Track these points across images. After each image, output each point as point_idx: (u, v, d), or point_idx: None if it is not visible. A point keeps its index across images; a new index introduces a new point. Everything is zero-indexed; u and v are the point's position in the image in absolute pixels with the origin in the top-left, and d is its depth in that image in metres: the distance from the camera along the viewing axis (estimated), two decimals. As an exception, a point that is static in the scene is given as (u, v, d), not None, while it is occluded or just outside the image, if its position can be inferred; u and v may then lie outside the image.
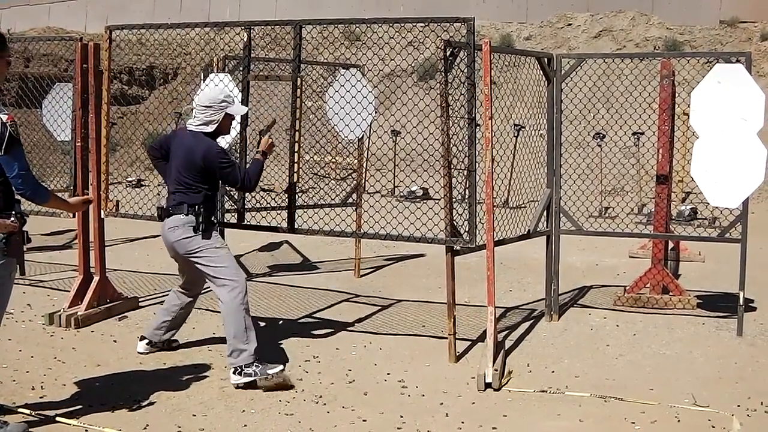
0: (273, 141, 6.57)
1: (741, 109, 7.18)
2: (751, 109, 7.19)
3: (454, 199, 6.34)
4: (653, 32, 21.32)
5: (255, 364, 5.86)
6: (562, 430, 5.21)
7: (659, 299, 8.22)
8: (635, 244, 10.82)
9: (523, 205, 7.79)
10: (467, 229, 6.33)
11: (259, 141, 6.55)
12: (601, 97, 8.64)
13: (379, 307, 8.21)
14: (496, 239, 6.64)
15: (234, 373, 5.85)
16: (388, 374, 6.18)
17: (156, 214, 6.49)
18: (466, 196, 6.38)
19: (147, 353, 6.51)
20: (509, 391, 5.88)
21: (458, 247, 6.40)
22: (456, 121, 6.39)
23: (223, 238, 6.64)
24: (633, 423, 5.31)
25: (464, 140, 6.35)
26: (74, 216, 7.65)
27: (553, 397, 5.79)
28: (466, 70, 6.33)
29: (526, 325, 7.62)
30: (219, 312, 6.23)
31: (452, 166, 6.34)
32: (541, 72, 7.69)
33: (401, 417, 5.32)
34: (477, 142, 6.41)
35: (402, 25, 6.99)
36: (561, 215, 7.73)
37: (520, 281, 9.36)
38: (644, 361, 6.64)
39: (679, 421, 5.37)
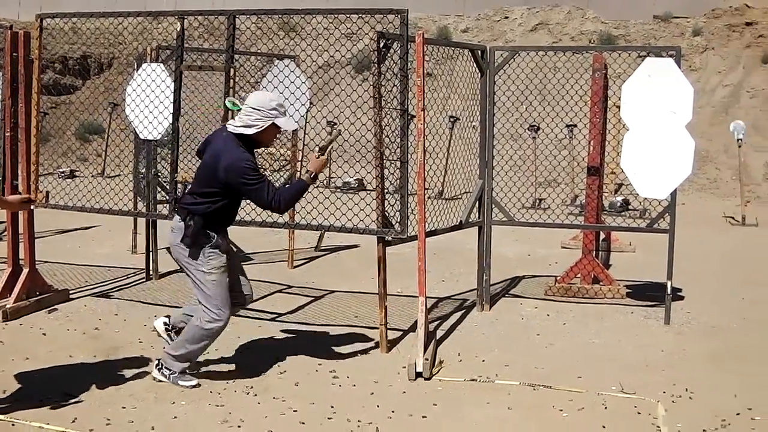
0: (327, 160, 5.84)
1: (670, 102, 7.33)
2: (680, 103, 7.34)
3: (387, 191, 6.37)
4: (589, 26, 21.62)
5: (176, 372, 5.71)
6: (491, 418, 5.26)
7: (589, 289, 8.36)
8: (567, 235, 10.98)
9: (457, 196, 7.87)
10: (399, 220, 6.37)
11: (320, 150, 5.79)
12: (534, 90, 8.75)
13: (312, 298, 8.23)
14: (428, 230, 6.68)
15: (156, 366, 5.77)
16: (320, 364, 6.20)
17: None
18: (399, 187, 6.42)
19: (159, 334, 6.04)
20: (440, 380, 5.93)
21: (390, 238, 6.43)
22: (389, 112, 6.41)
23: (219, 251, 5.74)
24: (561, 410, 5.39)
25: (397, 131, 6.38)
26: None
27: (483, 385, 5.86)
28: (399, 62, 6.35)
29: (458, 315, 7.70)
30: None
31: (385, 157, 6.37)
32: (476, 64, 7.75)
33: (332, 407, 5.34)
34: (410, 133, 6.45)
35: (336, 16, 6.97)
36: (493, 206, 7.81)
37: (453, 272, 9.44)
38: (574, 349, 6.75)
39: (606, 408, 5.47)
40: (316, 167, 5.68)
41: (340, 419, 5.18)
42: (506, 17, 22.66)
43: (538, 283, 8.89)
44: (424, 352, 6.03)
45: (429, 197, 7.85)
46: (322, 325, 7.28)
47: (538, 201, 14.29)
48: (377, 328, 6.62)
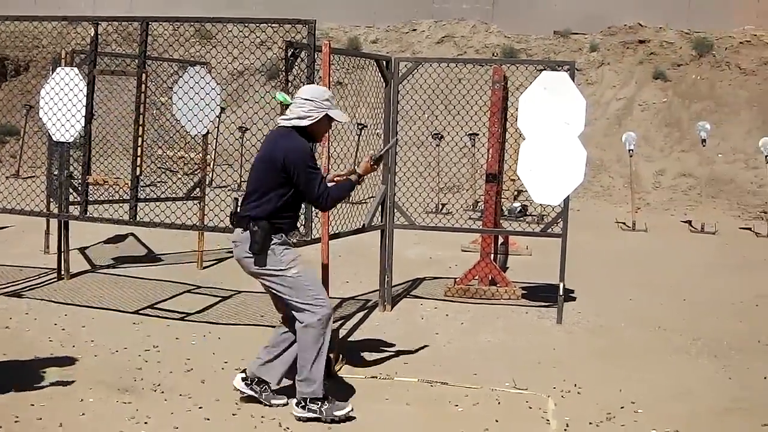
0: (376, 167, 5.83)
1: (564, 113, 7.59)
2: (573, 114, 7.62)
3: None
4: (492, 40, 22.05)
5: (321, 400, 5.34)
6: (389, 414, 5.48)
7: (487, 290, 8.66)
8: (468, 239, 11.27)
9: (363, 201, 8.04)
10: (303, 223, 6.55)
11: (375, 160, 5.75)
12: (440, 100, 9.01)
13: (220, 298, 8.35)
14: (332, 233, 6.84)
15: (298, 406, 5.37)
16: (226, 362, 6.32)
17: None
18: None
19: (240, 390, 5.61)
20: (342, 377, 6.13)
21: (294, 240, 6.60)
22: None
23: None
24: (456, 405, 5.65)
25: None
26: None
27: (383, 382, 6.09)
28: (306, 70, 6.55)
29: (361, 314, 7.92)
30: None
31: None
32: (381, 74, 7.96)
33: (236, 404, 5.48)
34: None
35: (246, 25, 7.15)
36: (395, 210, 8.05)
37: (357, 273, 9.62)
38: (470, 348, 7.02)
39: (499, 403, 5.74)
40: (365, 171, 5.70)
41: (244, 415, 5.31)
42: (414, 29, 22.97)
43: (438, 285, 9.17)
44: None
45: (352, 202, 8.07)
46: (229, 324, 7.42)
47: (440, 206, 14.61)
48: (281, 328, 6.79)
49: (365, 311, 8.04)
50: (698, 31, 20.90)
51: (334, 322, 7.03)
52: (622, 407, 5.76)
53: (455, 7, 23.03)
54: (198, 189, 9.57)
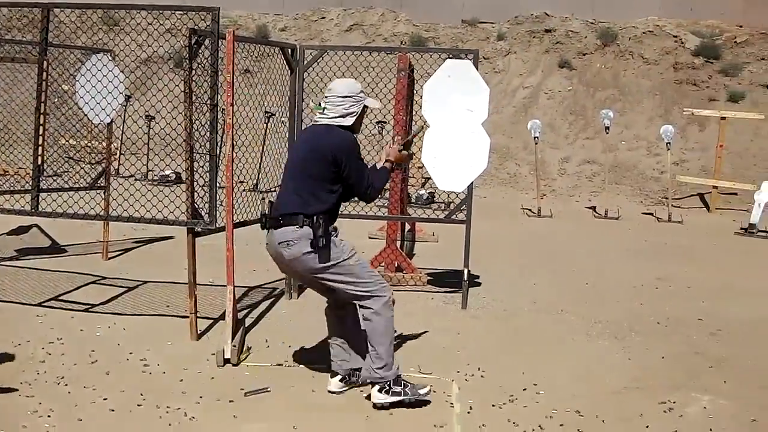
0: (407, 152, 5.93)
1: (468, 101, 7.66)
2: (477, 102, 7.67)
3: (197, 183, 6.51)
4: (401, 28, 22.17)
5: (401, 381, 5.44)
6: (294, 400, 5.50)
7: (393, 277, 8.72)
8: (374, 226, 11.33)
9: (272, 189, 8.02)
10: (208, 211, 6.53)
11: (404, 145, 5.92)
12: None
13: (125, 289, 8.26)
14: (237, 221, 6.86)
15: (380, 390, 5.40)
16: (131, 353, 6.27)
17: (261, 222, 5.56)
18: (208, 180, 6.57)
19: (340, 391, 5.69)
20: (247, 365, 6.13)
21: (199, 229, 6.58)
22: (199, 107, 6.56)
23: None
24: (361, 391, 5.67)
25: (207, 125, 6.54)
26: None
27: (289, 370, 6.11)
28: (210, 58, 6.51)
29: (267, 303, 7.92)
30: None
31: (195, 151, 6.51)
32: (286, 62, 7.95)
33: (141, 395, 5.44)
34: (221, 127, 6.60)
35: (150, 12, 7.06)
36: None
37: (264, 261, 9.47)
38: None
39: (404, 387, 5.83)
40: (396, 158, 5.77)
41: (149, 406, 5.28)
42: (323, 17, 22.96)
43: (345, 273, 9.18)
44: (233, 339, 6.20)
45: (245, 190, 8.04)
46: (134, 315, 7.34)
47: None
48: (188, 317, 6.75)
49: (272, 300, 8.04)
50: (603, 21, 21.32)
51: (240, 310, 7.09)
52: (524, 389, 5.89)
53: (364, -6, 23.11)
54: (103, 178, 9.43)
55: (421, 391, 5.47)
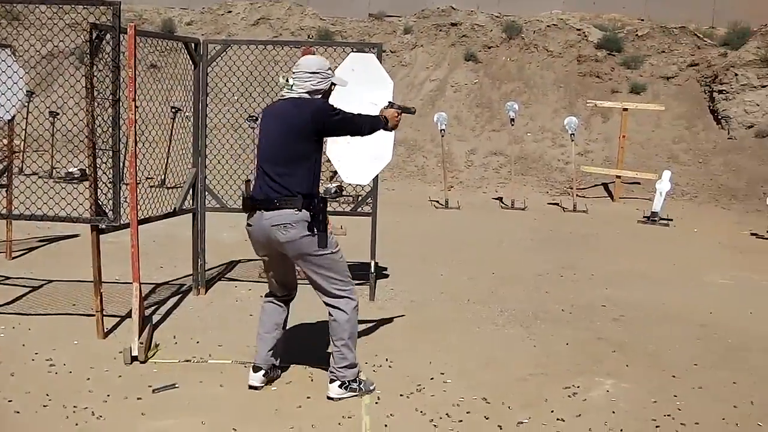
0: (398, 118, 5.96)
1: (372, 94, 7.66)
2: (381, 95, 7.65)
3: (100, 179, 6.43)
4: (308, 22, 22.15)
5: (358, 379, 5.61)
6: (203, 396, 5.50)
7: (300, 270, 8.70)
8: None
9: (179, 185, 7.96)
10: (111, 208, 6.45)
11: (399, 110, 5.97)
12: (257, 82, 8.99)
13: (30, 288, 8.09)
14: (142, 217, 6.79)
15: (340, 386, 5.52)
16: (36, 354, 6.17)
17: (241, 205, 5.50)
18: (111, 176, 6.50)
19: (261, 386, 5.68)
20: (155, 362, 6.09)
21: (103, 226, 6.50)
22: (101, 102, 6.47)
23: None
24: (270, 385, 5.70)
25: (109, 121, 6.46)
26: None
27: (197, 365, 6.08)
28: (111, 53, 6.43)
29: (175, 299, 7.85)
30: None
31: (98, 147, 6.42)
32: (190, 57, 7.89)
33: (47, 395, 5.38)
34: (124, 123, 6.53)
35: (49, 6, 6.93)
36: (207, 193, 8.01)
37: (172, 258, 9.53)
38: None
39: (312, 380, 5.86)
40: (390, 116, 5.82)
41: (55, 406, 5.22)
42: (229, 11, 22.80)
43: (253, 267, 9.18)
44: (140, 336, 6.16)
45: (151, 186, 7.97)
46: (40, 314, 7.20)
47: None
48: (94, 315, 6.65)
49: (179, 296, 7.97)
50: (508, 14, 21.60)
51: (147, 307, 7.05)
52: (432, 378, 5.99)
53: (271, -11, 23.04)
54: (4, 176, 9.23)
55: (371, 387, 5.66)
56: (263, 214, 5.27)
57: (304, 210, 5.21)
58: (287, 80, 5.38)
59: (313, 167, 5.32)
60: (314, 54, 8.40)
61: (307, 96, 5.33)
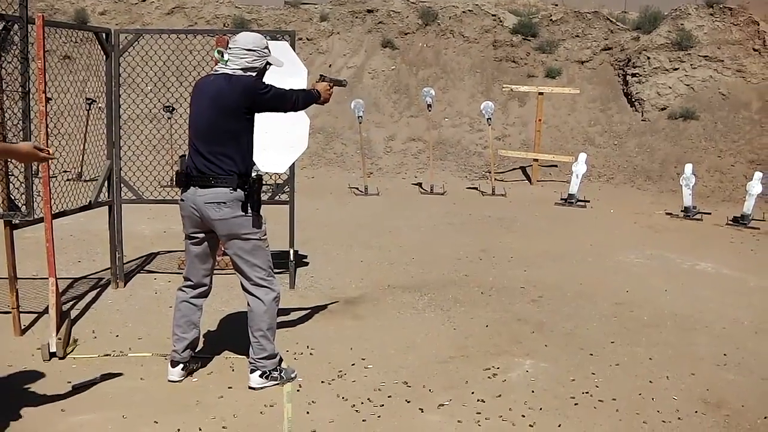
0: (330, 90, 5.91)
1: (287, 82, 7.63)
2: (295, 83, 7.63)
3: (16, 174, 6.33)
4: (223, 10, 21.97)
5: (279, 368, 5.60)
6: (123, 390, 5.46)
7: (220, 261, 8.67)
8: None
9: (96, 178, 7.86)
10: (24, 202, 6.35)
11: (331, 83, 5.93)
12: (171, 72, 8.90)
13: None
14: (56, 211, 6.69)
15: (261, 376, 5.51)
16: (-32, 354, 6.07)
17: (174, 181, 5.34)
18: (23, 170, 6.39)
19: (181, 380, 5.65)
20: (74, 358, 6.03)
21: (17, 221, 6.39)
22: (11, 95, 6.35)
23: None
24: (191, 377, 5.70)
25: (19, 114, 6.35)
26: None
27: (117, 359, 6.04)
28: (20, 44, 6.31)
29: (93, 293, 7.74)
30: None
31: (8, 140, 6.30)
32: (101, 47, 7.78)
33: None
34: (35, 115, 6.42)
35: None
36: (122, 185, 7.91)
37: (90, 252, 9.39)
38: (204, 319, 7.03)
39: (233, 370, 5.88)
40: (322, 89, 5.77)
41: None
42: (144, 0, 22.51)
43: (172, 258, 9.12)
44: (57, 332, 6.07)
45: (68, 179, 7.84)
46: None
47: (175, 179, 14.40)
48: (10, 312, 6.55)
49: (98, 290, 7.86)
50: (424, 1, 21.66)
51: (65, 302, 6.96)
52: (353, 364, 6.04)
53: (186, -23, 22.78)
54: None
55: (292, 375, 5.67)
56: (197, 191, 5.25)
57: (239, 189, 5.22)
58: (222, 55, 5.34)
59: (246, 146, 5.33)
60: (227, 44, 8.37)
61: (240, 73, 5.28)
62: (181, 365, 5.66)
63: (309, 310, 7.38)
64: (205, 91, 5.30)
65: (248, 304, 5.53)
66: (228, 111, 5.20)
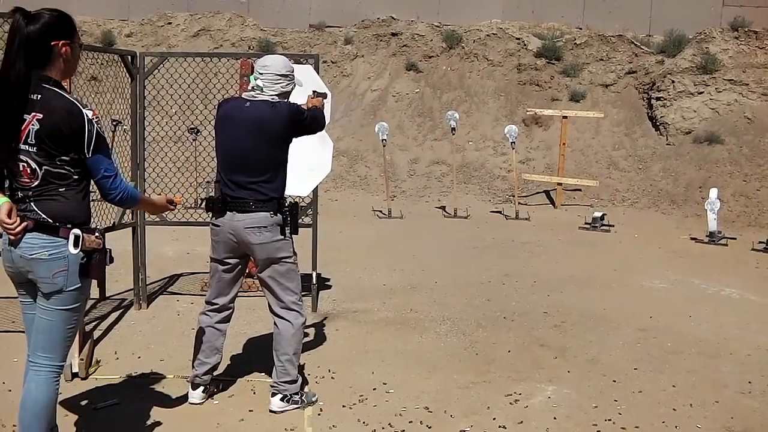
0: (323, 99, 5.86)
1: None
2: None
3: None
4: (249, 33, 22.06)
5: (300, 392, 5.60)
6: (144, 412, 5.45)
7: (244, 282, 8.68)
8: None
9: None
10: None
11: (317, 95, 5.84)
12: (195, 94, 8.95)
13: (-36, 307, 7.98)
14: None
15: (282, 399, 5.50)
16: (-26, 372, 6.07)
17: (203, 205, 5.50)
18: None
19: (202, 402, 5.64)
20: (96, 379, 6.03)
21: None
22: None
23: None
24: (212, 399, 5.69)
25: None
26: None
27: (139, 381, 6.04)
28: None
29: (116, 314, 7.76)
30: None
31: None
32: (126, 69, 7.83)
33: (-6, 416, 5.28)
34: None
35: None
36: (146, 207, 7.92)
37: (113, 272, 9.30)
38: (227, 340, 7.02)
39: (254, 393, 5.86)
40: (320, 104, 5.72)
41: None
42: (169, 23, 22.64)
43: (195, 280, 9.13)
44: (80, 352, 6.09)
45: (93, 200, 7.85)
46: (-25, 334, 7.12)
47: (200, 201, 14.49)
48: (32, 332, 6.58)
49: (121, 311, 7.89)
50: (448, 24, 21.71)
51: (87, 323, 6.98)
52: (374, 389, 6.02)
53: (210, 0, 22.91)
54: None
55: (313, 399, 5.67)
56: (235, 215, 5.23)
57: (278, 214, 5.24)
58: (254, 79, 5.31)
59: (285, 171, 5.36)
60: (251, 67, 8.40)
61: (277, 99, 5.26)
62: (202, 387, 5.65)
63: (331, 334, 7.36)
64: (241, 118, 5.23)
65: (276, 327, 5.52)
66: (274, 139, 5.20)
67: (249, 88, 5.37)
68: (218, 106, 5.44)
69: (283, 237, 5.29)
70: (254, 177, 5.19)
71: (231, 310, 5.72)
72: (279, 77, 5.26)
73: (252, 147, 5.17)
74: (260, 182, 5.19)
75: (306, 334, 7.02)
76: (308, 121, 5.37)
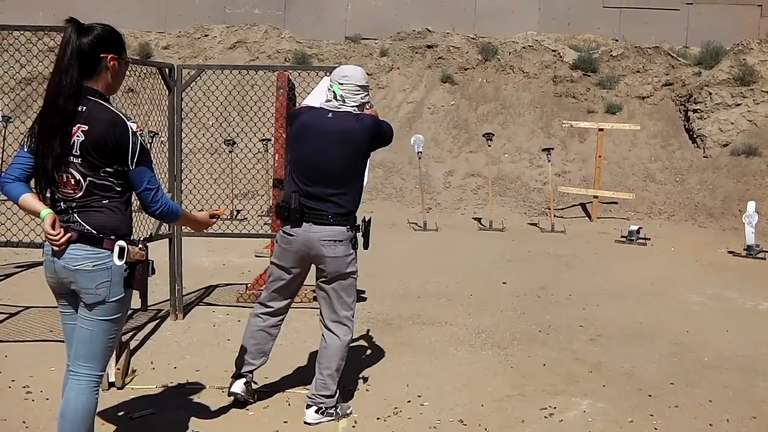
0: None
1: None
2: None
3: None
4: (285, 45, 22.19)
5: (335, 404, 5.56)
6: (179, 422, 5.47)
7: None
8: (261, 244, 11.30)
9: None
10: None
11: None
12: (232, 106, 9.02)
13: (7, 315, 8.03)
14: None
15: (317, 411, 5.46)
16: (13, 381, 6.12)
17: (275, 212, 5.49)
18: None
19: (243, 395, 5.67)
20: (132, 388, 6.06)
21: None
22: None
23: None
24: (247, 410, 5.70)
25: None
26: None
27: (175, 391, 6.07)
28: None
29: (152, 325, 7.81)
30: None
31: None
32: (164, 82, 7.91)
33: (24, 422, 5.34)
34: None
35: (35, 32, 6.96)
36: (183, 218, 7.97)
37: (150, 283, 9.38)
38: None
39: (289, 404, 5.85)
40: (375, 114, 5.55)
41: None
42: (206, 35, 22.82)
43: (230, 291, 9.16)
44: (117, 362, 6.11)
45: (134, 210, 7.91)
46: (16, 341, 7.16)
47: (235, 212, 14.62)
48: (69, 342, 6.65)
49: (157, 321, 7.93)
50: (483, 36, 21.71)
51: (124, 333, 7.02)
52: (408, 401, 5.99)
53: (247, 12, 23.09)
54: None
55: (348, 411, 5.66)
56: (312, 227, 5.19)
57: (351, 231, 5.27)
58: (333, 90, 5.26)
59: (362, 184, 5.39)
60: (288, 79, 8.45)
61: (358, 111, 5.26)
62: (244, 380, 5.67)
63: (366, 346, 7.37)
64: (324, 129, 5.18)
65: (323, 340, 5.52)
66: (360, 151, 5.22)
67: (329, 98, 5.32)
68: (292, 116, 5.46)
69: (353, 252, 5.29)
70: (334, 189, 5.16)
71: (284, 316, 5.76)
72: (359, 88, 5.25)
73: (335, 158, 5.15)
74: (340, 194, 5.17)
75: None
76: (387, 133, 5.38)
